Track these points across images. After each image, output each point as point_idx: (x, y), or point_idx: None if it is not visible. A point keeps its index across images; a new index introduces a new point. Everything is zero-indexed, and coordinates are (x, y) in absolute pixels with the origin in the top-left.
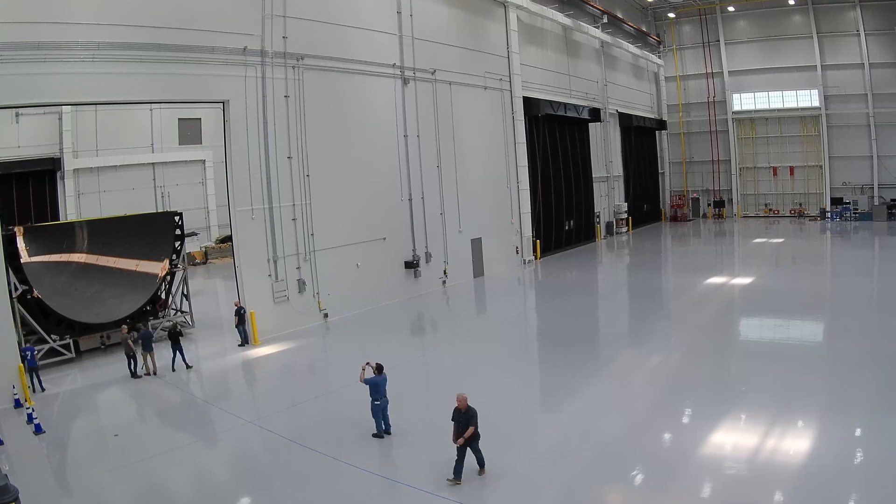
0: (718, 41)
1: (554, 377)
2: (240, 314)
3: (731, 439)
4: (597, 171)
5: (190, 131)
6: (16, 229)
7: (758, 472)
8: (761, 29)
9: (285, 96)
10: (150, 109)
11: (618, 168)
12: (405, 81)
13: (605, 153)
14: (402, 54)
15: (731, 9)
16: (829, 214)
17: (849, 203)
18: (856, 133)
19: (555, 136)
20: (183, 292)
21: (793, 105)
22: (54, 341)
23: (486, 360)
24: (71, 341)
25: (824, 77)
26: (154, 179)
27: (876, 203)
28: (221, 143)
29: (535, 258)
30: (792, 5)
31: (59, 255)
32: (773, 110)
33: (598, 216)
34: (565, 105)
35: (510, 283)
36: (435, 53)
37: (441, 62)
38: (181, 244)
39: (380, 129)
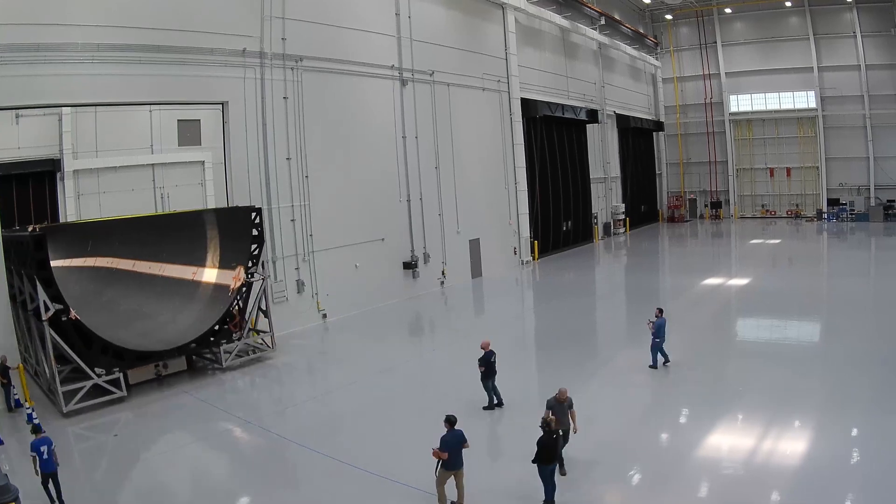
0: (715, 43)
1: (552, 377)
2: (488, 363)
3: (729, 440)
4: (594, 172)
5: (189, 132)
6: (32, 228)
7: (755, 473)
8: (758, 30)
9: (284, 98)
10: (150, 111)
11: (615, 169)
12: (403, 83)
13: (603, 154)
14: (401, 56)
15: (727, 10)
16: (825, 215)
17: (845, 204)
18: (852, 134)
19: (552, 138)
20: (260, 307)
21: (789, 106)
22: (99, 376)
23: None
24: (120, 375)
25: (821, 78)
26: (153, 180)
27: (872, 204)
28: (221, 145)
29: (533, 259)
30: (789, 7)
31: (93, 261)
32: (770, 112)
33: (596, 217)
34: (563, 106)
35: (508, 284)
36: (433, 55)
37: (439, 64)
38: (259, 248)
39: (378, 131)
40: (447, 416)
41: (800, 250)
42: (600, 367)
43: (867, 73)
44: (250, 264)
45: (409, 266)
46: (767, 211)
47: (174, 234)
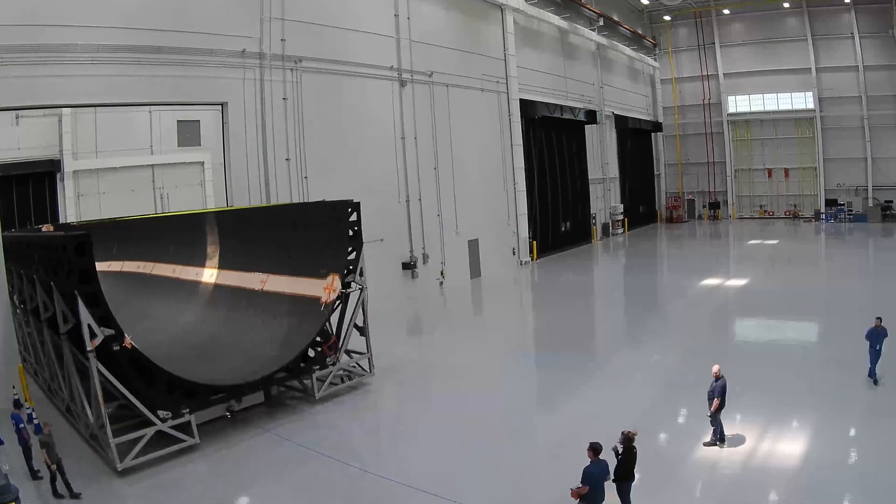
0: (714, 44)
1: (551, 378)
2: (722, 391)
3: (727, 439)
4: (593, 173)
5: (189, 133)
6: (47, 227)
7: (754, 473)
8: (756, 31)
9: (283, 98)
10: (150, 111)
11: (614, 170)
12: (402, 84)
13: (601, 155)
14: (400, 57)
15: (726, 11)
16: (823, 216)
17: (843, 205)
18: (850, 135)
19: (551, 138)
20: (355, 324)
21: (787, 107)
22: (164, 420)
23: (483, 360)
24: (192, 417)
25: (819, 79)
26: (153, 181)
27: (870, 205)
28: (220, 145)
29: (532, 259)
30: (787, 8)
31: (119, 266)
32: (768, 112)
33: (594, 217)
34: (562, 107)
35: (507, 285)
36: (432, 56)
37: (438, 64)
38: (357, 252)
39: (377, 131)
40: (592, 443)
41: (798, 251)
42: (600, 366)
43: (865, 74)
44: (346, 272)
45: (408, 266)
46: (765, 212)
47: (244, 234)
